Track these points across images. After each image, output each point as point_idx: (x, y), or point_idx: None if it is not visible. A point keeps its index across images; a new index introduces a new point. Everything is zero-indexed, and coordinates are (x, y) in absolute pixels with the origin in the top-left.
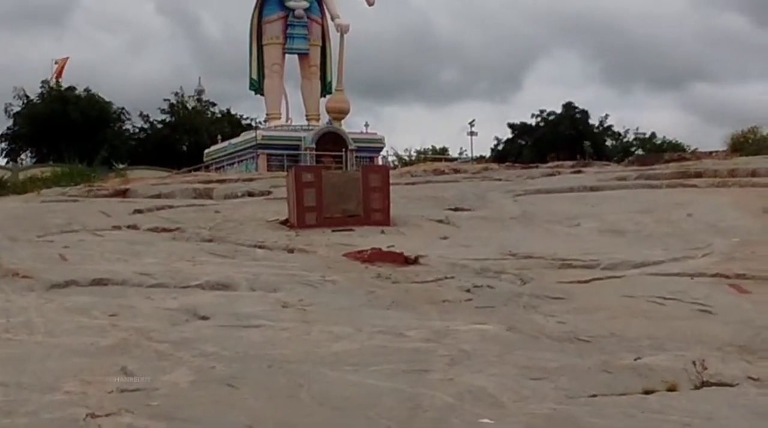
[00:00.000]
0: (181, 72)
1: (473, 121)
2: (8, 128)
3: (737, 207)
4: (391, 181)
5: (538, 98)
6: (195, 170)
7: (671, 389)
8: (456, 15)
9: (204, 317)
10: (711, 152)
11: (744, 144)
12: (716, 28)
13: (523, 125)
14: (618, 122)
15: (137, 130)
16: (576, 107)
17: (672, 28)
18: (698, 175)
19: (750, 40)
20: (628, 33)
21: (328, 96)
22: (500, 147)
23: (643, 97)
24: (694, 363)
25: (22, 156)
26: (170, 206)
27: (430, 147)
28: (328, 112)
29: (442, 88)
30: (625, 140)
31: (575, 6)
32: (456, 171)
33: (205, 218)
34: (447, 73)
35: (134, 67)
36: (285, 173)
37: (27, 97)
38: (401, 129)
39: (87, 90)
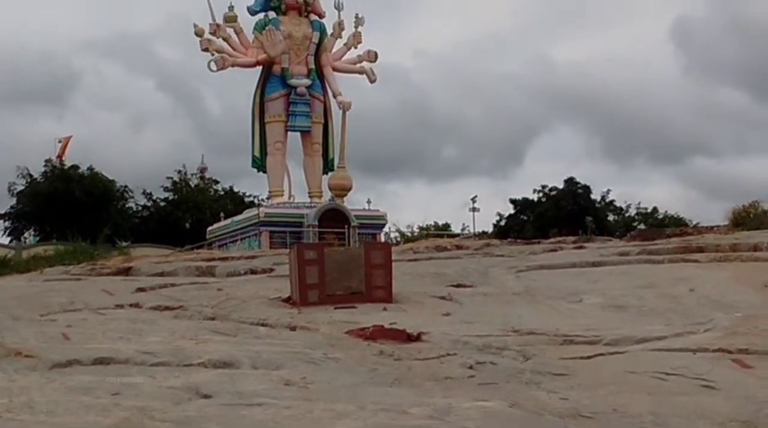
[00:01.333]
0: (183, 149)
1: (475, 197)
2: (11, 207)
3: (739, 282)
4: (393, 257)
5: (539, 174)
6: (198, 247)
7: None
8: (455, 91)
9: (206, 396)
10: (713, 227)
11: (745, 219)
12: (714, 103)
13: (525, 200)
14: (620, 196)
15: (140, 207)
16: (578, 183)
17: (670, 104)
18: (700, 250)
19: (748, 115)
20: (626, 108)
21: (330, 173)
22: (502, 223)
23: (643, 172)
24: None
25: (26, 234)
26: (173, 284)
27: (433, 223)
28: (330, 189)
29: (444, 165)
30: (627, 214)
31: (573, 82)
32: (458, 247)
33: (208, 296)
34: (448, 150)
35: (136, 144)
36: (287, 251)
37: (30, 175)
38: (403, 205)
39: (90, 168)
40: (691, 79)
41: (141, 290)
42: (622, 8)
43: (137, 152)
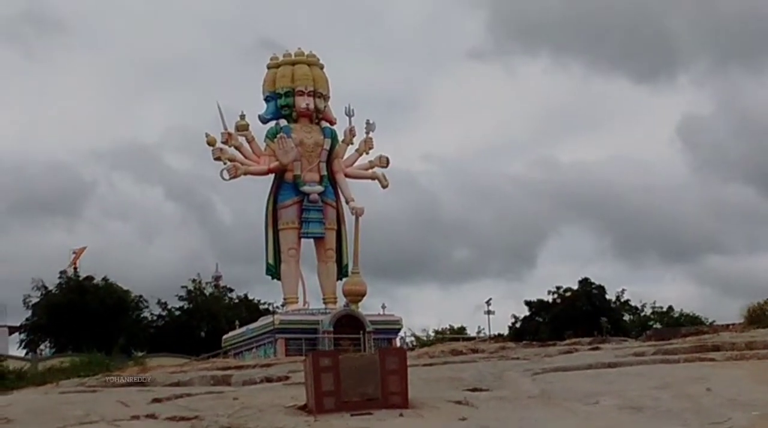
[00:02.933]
0: (196, 258)
1: (490, 299)
2: (27, 319)
3: (756, 380)
4: (408, 362)
5: (551, 275)
6: (213, 356)
7: None
8: (464, 195)
9: None
10: (728, 325)
11: (761, 316)
12: (723, 200)
13: (540, 302)
14: (635, 296)
15: (155, 317)
16: (592, 283)
17: (679, 202)
18: (716, 348)
19: (757, 211)
20: (635, 208)
21: (344, 279)
22: (518, 325)
23: (656, 271)
24: None
25: (41, 346)
26: (188, 394)
27: (448, 327)
28: (345, 295)
29: (456, 267)
30: (642, 314)
31: (580, 182)
32: (473, 351)
33: (224, 405)
34: (459, 252)
35: (149, 254)
36: (303, 358)
37: (45, 287)
38: (418, 309)
39: (105, 279)
40: (699, 177)
41: (157, 400)
42: (628, 108)
43: (150, 261)
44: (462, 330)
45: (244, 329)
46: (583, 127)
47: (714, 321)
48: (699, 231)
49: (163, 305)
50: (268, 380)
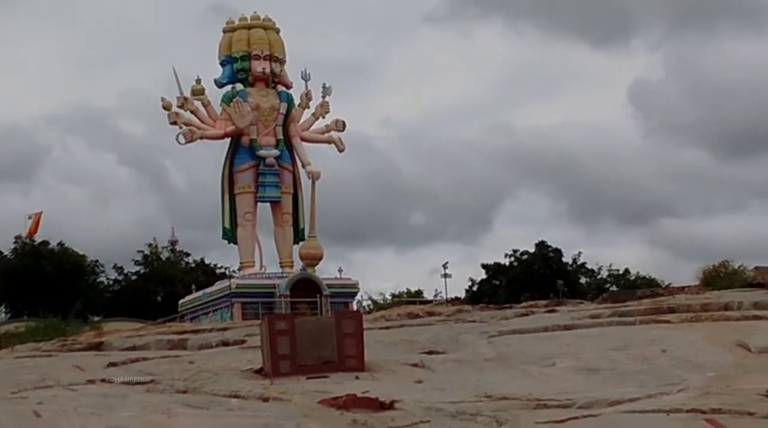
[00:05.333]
0: (152, 222)
1: (446, 263)
2: None
3: (711, 342)
4: (365, 326)
5: (508, 238)
6: (170, 320)
7: None
8: (421, 159)
9: None
10: (684, 287)
11: (716, 278)
12: (677, 164)
13: (497, 265)
14: (591, 259)
15: (111, 282)
16: (549, 246)
17: (633, 166)
18: (671, 310)
19: (711, 175)
20: (590, 172)
21: (301, 243)
22: (474, 288)
23: (612, 234)
24: None
25: None
26: (145, 358)
27: (405, 290)
28: (301, 258)
29: (413, 231)
30: (599, 276)
31: (535, 147)
32: (430, 314)
33: (180, 369)
34: (416, 217)
35: (104, 219)
36: (259, 322)
37: (0, 252)
38: (375, 273)
39: (60, 244)
40: (652, 141)
41: (113, 364)
42: (583, 73)
43: (106, 226)
44: (419, 293)
45: (200, 293)
46: (539, 92)
47: (670, 284)
48: (653, 195)
49: (119, 269)
50: (225, 344)
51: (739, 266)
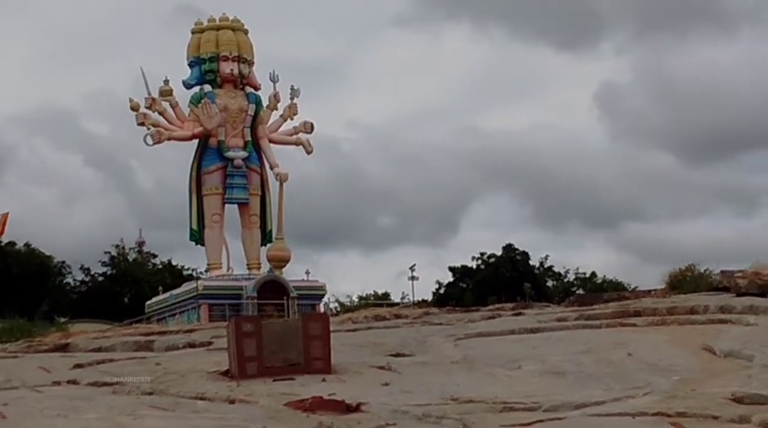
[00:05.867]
0: (119, 224)
1: (414, 265)
2: None
3: (677, 345)
4: (332, 328)
5: (475, 241)
6: (137, 322)
7: None
8: (389, 162)
9: None
10: (650, 291)
11: (682, 282)
12: (643, 167)
13: (464, 267)
14: (558, 262)
15: (78, 283)
16: (516, 249)
17: (600, 169)
18: (637, 314)
19: (678, 179)
20: (557, 175)
21: (268, 245)
22: (441, 291)
23: (579, 238)
24: None
25: None
26: (111, 360)
27: (372, 293)
28: (269, 260)
29: (380, 234)
30: (565, 280)
31: (503, 150)
32: (397, 316)
33: (146, 371)
34: (384, 219)
35: (71, 219)
36: (226, 323)
37: None
38: (342, 275)
39: (27, 245)
40: (619, 145)
41: (79, 366)
42: (551, 76)
43: (72, 227)
44: (386, 295)
45: (167, 294)
46: (507, 94)
47: (636, 287)
48: (620, 198)
49: (86, 270)
50: (191, 345)
51: (705, 270)
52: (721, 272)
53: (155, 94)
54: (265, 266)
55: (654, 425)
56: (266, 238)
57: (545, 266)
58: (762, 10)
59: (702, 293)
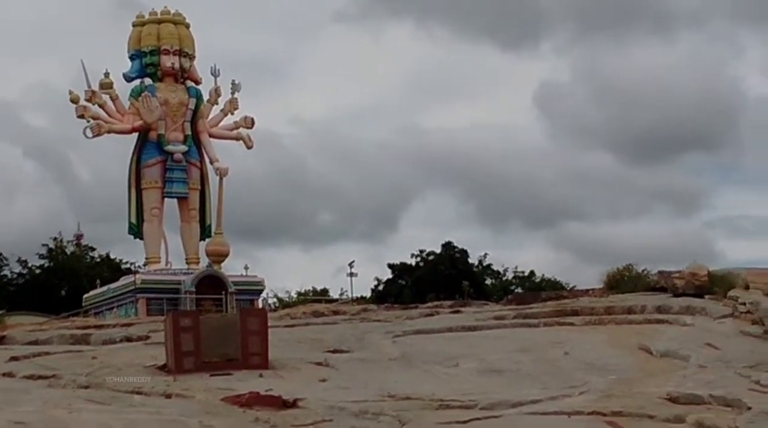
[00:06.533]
0: (56, 216)
1: (353, 262)
2: None
3: (614, 345)
4: (270, 324)
5: (415, 239)
6: (74, 315)
7: None
8: (329, 158)
9: None
10: (588, 290)
11: (620, 281)
12: (582, 167)
13: (403, 265)
14: (497, 260)
15: (15, 275)
16: (455, 247)
17: (538, 168)
18: (575, 313)
19: (617, 179)
20: (496, 174)
21: (207, 239)
22: (380, 287)
23: (518, 237)
24: None
25: None
26: (47, 353)
27: (311, 288)
28: (207, 255)
29: (319, 230)
30: (504, 278)
31: (443, 149)
32: (335, 313)
33: (82, 365)
34: (323, 215)
35: (8, 211)
36: (164, 318)
37: None
38: (281, 271)
39: None
40: (558, 145)
41: (14, 359)
42: (492, 76)
43: (9, 219)
44: (325, 292)
45: (105, 288)
46: (448, 93)
47: (574, 287)
48: (559, 198)
49: (23, 263)
50: (128, 339)
51: (643, 270)
52: (659, 272)
53: (95, 87)
54: (204, 261)
55: (590, 424)
56: (205, 232)
57: (484, 264)
58: (700, 11)
59: (639, 293)
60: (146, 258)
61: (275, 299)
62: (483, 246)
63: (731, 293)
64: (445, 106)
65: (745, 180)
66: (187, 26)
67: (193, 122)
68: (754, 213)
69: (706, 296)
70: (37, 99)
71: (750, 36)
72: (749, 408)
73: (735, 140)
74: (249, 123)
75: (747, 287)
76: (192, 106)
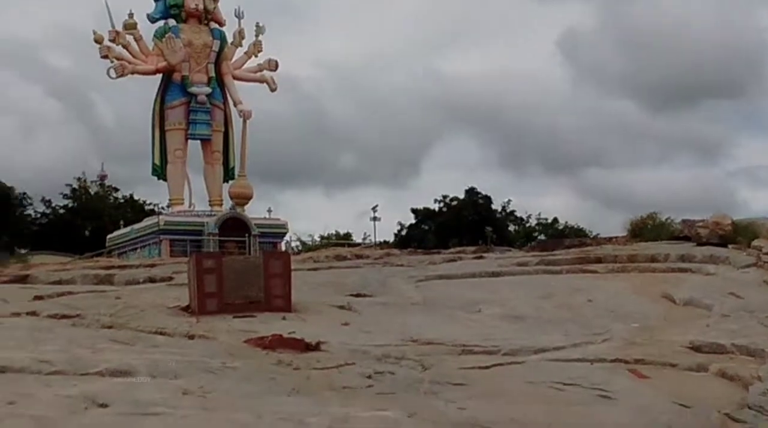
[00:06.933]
0: (80, 156)
1: (376, 206)
2: None
3: (637, 292)
4: (293, 267)
5: (438, 184)
6: (97, 255)
7: None
8: (352, 102)
9: (103, 405)
10: (611, 238)
11: (643, 229)
12: (605, 114)
13: (426, 210)
14: (520, 207)
15: (39, 215)
16: (479, 193)
17: (561, 114)
18: (598, 260)
19: (638, 126)
20: (519, 120)
21: (231, 182)
22: (403, 232)
23: (540, 183)
24: None
25: None
26: (71, 293)
27: (334, 232)
28: (231, 197)
29: (342, 174)
30: (527, 225)
31: (465, 94)
32: (358, 257)
33: (106, 305)
34: (346, 159)
35: (33, 151)
36: (187, 259)
37: None
38: (304, 214)
39: None
40: (581, 91)
41: (38, 298)
42: (510, 22)
43: (34, 159)
44: (348, 236)
45: (128, 229)
46: (472, 38)
47: (598, 234)
48: (582, 145)
49: (47, 203)
50: (152, 280)
51: (667, 219)
52: (683, 221)
53: (119, 28)
54: (227, 203)
55: (612, 371)
56: (229, 175)
57: (507, 210)
58: None
59: (663, 241)
60: (170, 200)
61: (298, 243)
62: (506, 192)
63: (755, 242)
64: (469, 50)
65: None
66: None
67: (217, 63)
68: None
69: (730, 246)
70: (59, 39)
71: None
72: None
73: (758, 88)
74: (273, 66)
75: None
76: (216, 48)
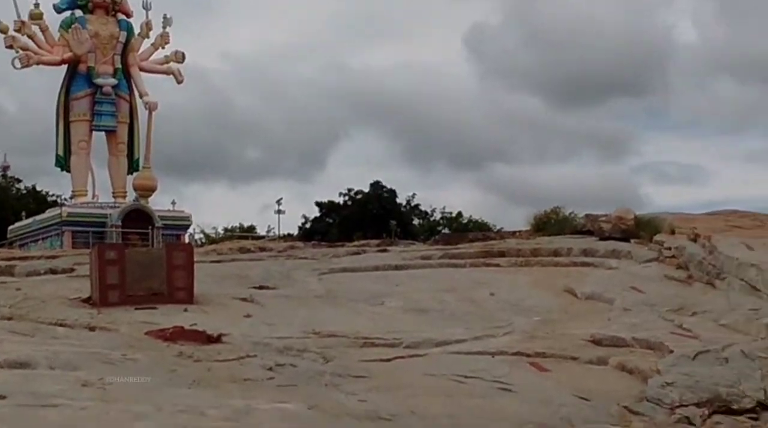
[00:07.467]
0: None
1: (280, 199)
2: None
3: (539, 286)
4: (196, 259)
5: (343, 177)
6: None
7: None
8: (258, 95)
9: (1, 397)
10: (515, 232)
11: (547, 224)
12: (510, 109)
13: (331, 203)
14: (425, 201)
15: None
16: (383, 186)
17: (467, 110)
18: (501, 254)
19: (544, 122)
20: (425, 114)
21: (135, 173)
22: (308, 225)
23: (445, 177)
24: None
25: None
26: None
27: (238, 225)
28: (135, 189)
29: (247, 167)
30: (432, 219)
31: (371, 88)
32: (262, 249)
33: (6, 296)
34: (251, 152)
35: None
36: (89, 251)
37: None
38: (208, 207)
39: None
40: (487, 86)
41: None
42: (417, 17)
43: None
44: (252, 228)
45: (30, 220)
46: (378, 32)
47: (501, 228)
48: (486, 140)
49: None
50: (53, 271)
51: (570, 213)
52: (586, 215)
53: (25, 18)
54: (131, 195)
55: (513, 364)
56: (133, 166)
57: (412, 204)
58: None
59: (566, 236)
60: (73, 191)
61: (202, 235)
62: (411, 186)
63: (657, 237)
64: (375, 45)
65: (671, 126)
66: None
67: (124, 55)
68: (680, 159)
69: (632, 241)
70: None
71: None
72: (671, 351)
73: (663, 86)
74: (179, 58)
75: (672, 232)
76: (122, 39)
